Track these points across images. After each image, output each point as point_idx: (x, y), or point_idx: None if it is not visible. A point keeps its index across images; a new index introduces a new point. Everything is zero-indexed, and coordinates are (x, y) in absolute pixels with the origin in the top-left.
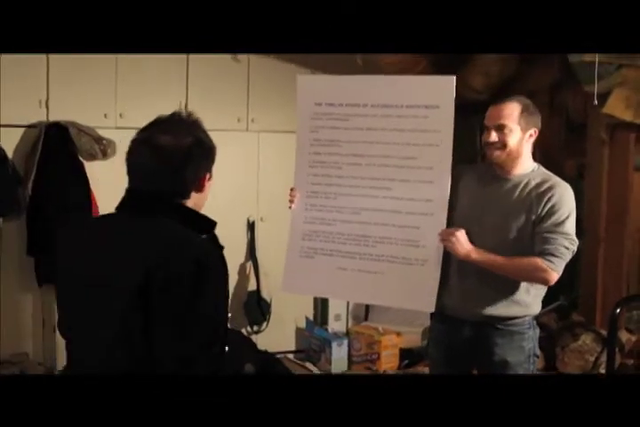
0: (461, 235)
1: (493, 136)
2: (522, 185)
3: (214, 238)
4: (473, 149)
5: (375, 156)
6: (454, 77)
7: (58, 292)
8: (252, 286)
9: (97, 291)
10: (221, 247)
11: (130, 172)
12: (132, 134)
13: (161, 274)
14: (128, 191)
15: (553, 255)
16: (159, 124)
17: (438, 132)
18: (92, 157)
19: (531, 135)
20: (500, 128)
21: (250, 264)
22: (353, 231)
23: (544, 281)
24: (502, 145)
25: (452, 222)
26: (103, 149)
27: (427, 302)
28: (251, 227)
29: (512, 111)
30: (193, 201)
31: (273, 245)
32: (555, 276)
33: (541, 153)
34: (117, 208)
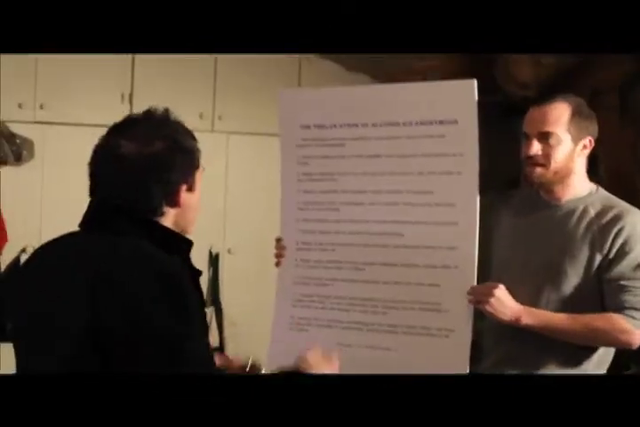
0: (501, 292)
1: (535, 148)
2: (577, 214)
3: (187, 260)
4: (516, 168)
5: (380, 192)
6: (474, 81)
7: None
8: (213, 340)
9: (44, 333)
10: (197, 271)
11: (92, 184)
12: (57, 130)
13: (117, 291)
14: (90, 207)
15: (636, 309)
16: (125, 126)
17: (460, 155)
18: (2, 162)
19: (585, 146)
20: (544, 137)
21: (212, 311)
22: (356, 294)
23: (627, 344)
24: (546, 160)
25: (485, 273)
26: (17, 150)
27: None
28: (213, 261)
29: (560, 115)
30: (171, 218)
31: (243, 284)
32: None
33: (608, 170)
34: (80, 225)
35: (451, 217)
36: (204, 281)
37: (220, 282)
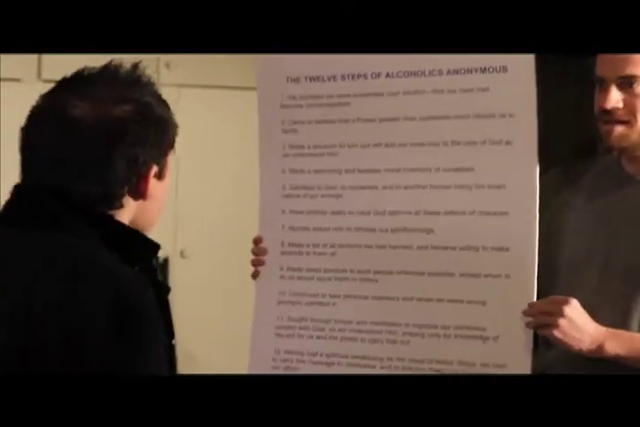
0: (574, 310)
1: (614, 99)
2: None
3: (152, 272)
4: (591, 129)
5: (399, 170)
6: None
7: None
8: None
9: None
10: (165, 287)
11: (25, 159)
12: None
13: (56, 314)
14: (17, 190)
15: None
16: (79, 82)
17: (510, 116)
18: None
19: None
20: (627, 83)
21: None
22: (366, 316)
23: None
24: (631, 115)
25: (549, 282)
26: None
27: None
28: (161, 267)
29: None
30: (130, 213)
31: (201, 299)
32: None
33: None
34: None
35: (499, 204)
36: None
37: (171, 295)
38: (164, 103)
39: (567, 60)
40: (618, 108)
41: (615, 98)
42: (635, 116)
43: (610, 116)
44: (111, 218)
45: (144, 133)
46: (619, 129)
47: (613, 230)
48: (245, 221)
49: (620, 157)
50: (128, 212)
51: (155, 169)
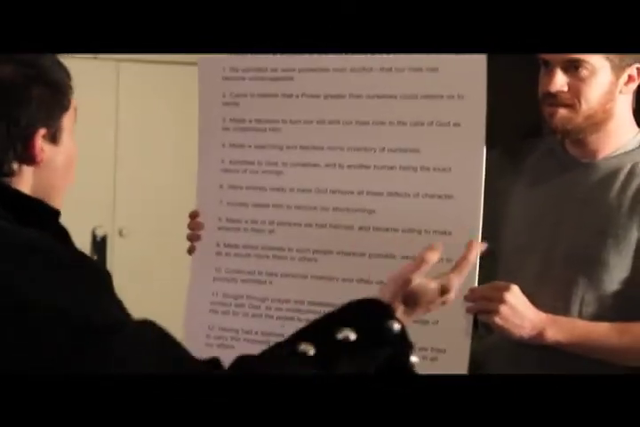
0: (515, 296)
1: (558, 82)
2: (621, 177)
3: (62, 234)
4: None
5: (343, 149)
6: None
7: None
8: None
9: None
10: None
11: None
12: None
13: None
14: None
15: None
16: None
17: (459, 97)
18: None
19: (631, 78)
20: (572, 66)
21: None
22: (305, 295)
23: None
24: (575, 98)
25: (491, 264)
26: None
27: None
28: (99, 246)
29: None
30: (27, 180)
31: (140, 278)
32: None
33: None
34: None
35: (444, 187)
36: None
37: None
38: (62, 66)
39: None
40: (562, 92)
41: (560, 81)
42: (579, 99)
43: (554, 99)
44: (3, 185)
45: (26, 93)
46: (562, 112)
47: (557, 215)
48: (185, 199)
49: (564, 140)
50: (25, 180)
51: (43, 132)
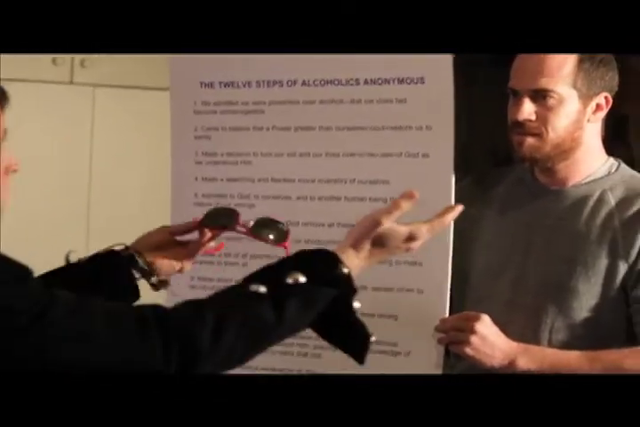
0: (486, 326)
1: (526, 111)
2: (590, 204)
3: None
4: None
5: (313, 180)
6: None
7: None
8: None
9: None
10: None
11: None
12: None
13: None
14: None
15: None
16: None
17: (428, 129)
18: None
19: (599, 107)
20: (540, 96)
21: None
22: None
23: None
24: (542, 128)
25: (461, 297)
26: None
27: None
28: None
29: (562, 62)
30: None
31: None
32: None
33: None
34: None
35: (414, 218)
36: None
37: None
38: None
39: (486, 71)
40: (530, 121)
41: (527, 110)
42: (546, 128)
43: (522, 128)
44: None
45: None
46: (530, 141)
47: (527, 243)
48: (157, 223)
49: (533, 168)
50: None
51: None
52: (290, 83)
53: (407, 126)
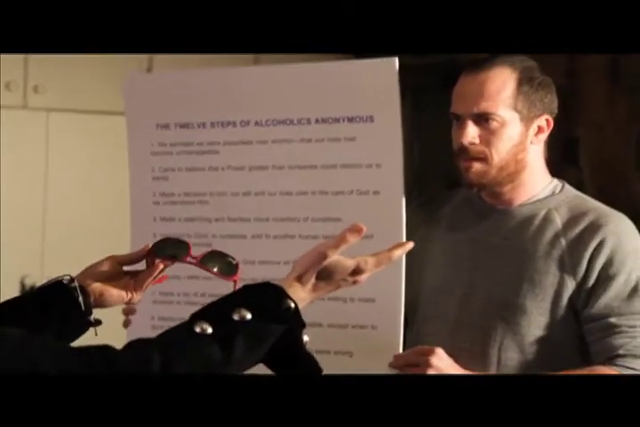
0: (440, 360)
1: (469, 135)
2: (536, 223)
3: None
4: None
5: (268, 220)
6: (395, 60)
7: None
8: None
9: None
10: None
11: None
12: None
13: None
14: None
15: (635, 357)
16: None
17: (377, 166)
18: None
19: (540, 129)
20: (482, 119)
21: None
22: None
23: None
24: (487, 152)
25: (411, 312)
26: None
27: None
28: None
29: (502, 85)
30: None
31: None
32: None
33: (592, 158)
34: None
35: (367, 252)
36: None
37: None
38: None
39: (442, 93)
40: (474, 144)
41: (471, 133)
42: (491, 151)
43: (467, 154)
44: None
45: None
46: (476, 166)
47: (474, 261)
48: (119, 250)
49: (478, 190)
50: None
51: None
52: (243, 123)
53: (357, 164)
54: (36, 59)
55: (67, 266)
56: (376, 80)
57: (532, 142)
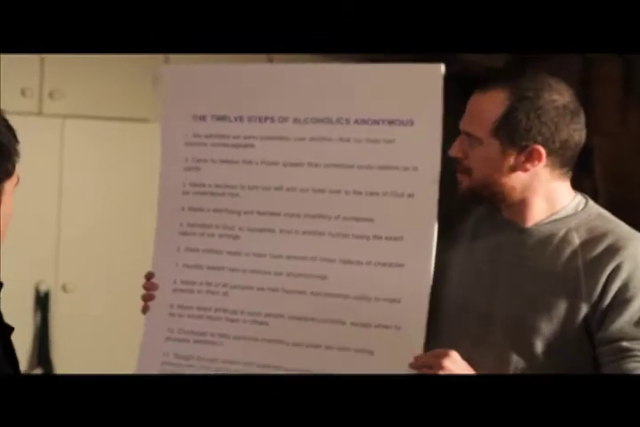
0: (453, 362)
1: (456, 146)
2: (555, 242)
3: None
4: None
5: (299, 216)
6: (441, 66)
7: None
8: None
9: None
10: (7, 328)
11: None
12: None
13: None
14: None
15: None
16: None
17: (414, 169)
18: None
19: (529, 158)
20: (470, 137)
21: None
22: (255, 358)
23: None
24: (470, 166)
25: (434, 329)
26: None
27: None
28: (42, 302)
29: (488, 110)
30: None
31: (85, 336)
32: None
33: (607, 170)
34: None
35: (396, 256)
36: (27, 333)
37: (52, 333)
38: (10, 130)
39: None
40: (459, 158)
41: (456, 148)
42: (471, 167)
43: (459, 165)
44: None
45: None
46: (463, 179)
47: (492, 279)
48: (136, 255)
49: (499, 205)
50: None
51: None
52: (281, 119)
53: (394, 166)
54: (52, 65)
55: (81, 272)
56: (420, 85)
57: (525, 170)
